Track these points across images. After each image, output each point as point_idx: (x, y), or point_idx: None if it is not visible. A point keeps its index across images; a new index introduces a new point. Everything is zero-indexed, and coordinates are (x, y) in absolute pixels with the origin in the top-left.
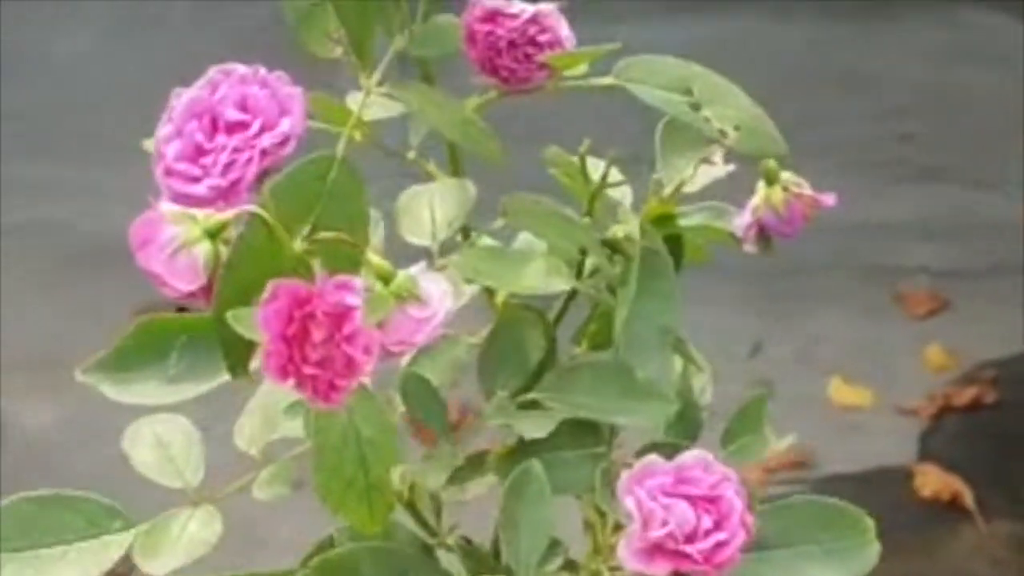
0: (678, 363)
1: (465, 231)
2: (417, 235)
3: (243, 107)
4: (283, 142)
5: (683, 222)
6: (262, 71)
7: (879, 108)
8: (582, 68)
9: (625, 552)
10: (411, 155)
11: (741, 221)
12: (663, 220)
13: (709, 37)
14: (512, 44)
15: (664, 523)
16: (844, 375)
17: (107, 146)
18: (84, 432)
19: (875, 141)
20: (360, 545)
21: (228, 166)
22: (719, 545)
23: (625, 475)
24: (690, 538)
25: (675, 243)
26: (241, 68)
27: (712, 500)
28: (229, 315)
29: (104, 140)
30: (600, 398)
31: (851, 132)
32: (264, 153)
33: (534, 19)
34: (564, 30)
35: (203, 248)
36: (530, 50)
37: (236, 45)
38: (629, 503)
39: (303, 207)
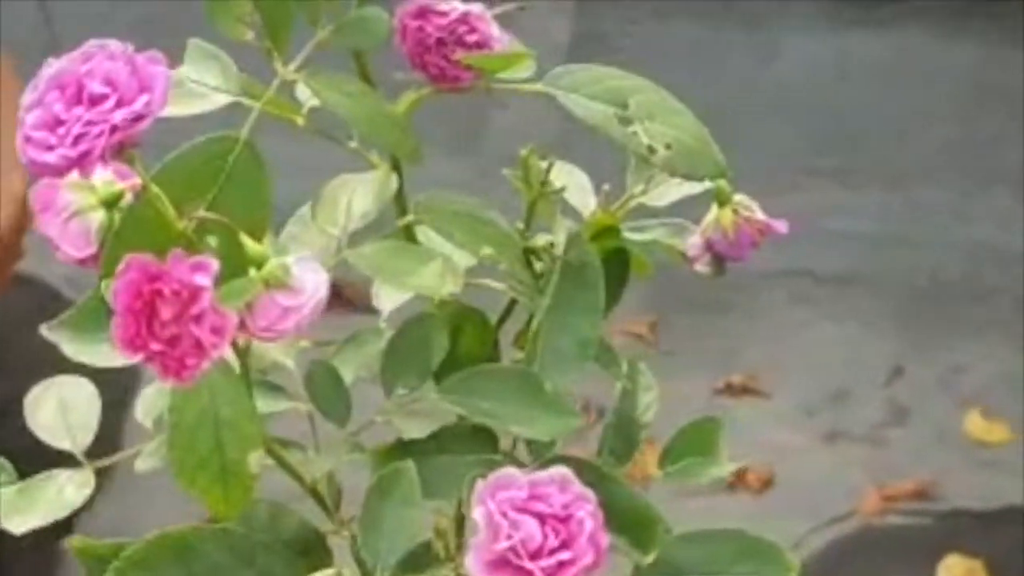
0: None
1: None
2: (330, 224)
3: (107, 82)
4: (137, 119)
5: (639, 236)
6: (131, 48)
7: None
8: (528, 70)
9: (472, 562)
10: (352, 144)
11: (693, 240)
12: (607, 233)
13: (871, 51)
14: (440, 42)
15: (509, 537)
16: (984, 408)
17: None
18: None
19: None
20: (202, 525)
21: (79, 137)
22: (563, 564)
23: (480, 485)
24: (535, 555)
25: (621, 257)
26: (114, 43)
27: (563, 519)
28: (103, 284)
29: None
30: (503, 405)
31: (1018, 159)
32: (115, 128)
33: (463, 19)
34: (494, 31)
35: (97, 216)
36: (458, 49)
37: None
38: (478, 514)
39: (199, 185)
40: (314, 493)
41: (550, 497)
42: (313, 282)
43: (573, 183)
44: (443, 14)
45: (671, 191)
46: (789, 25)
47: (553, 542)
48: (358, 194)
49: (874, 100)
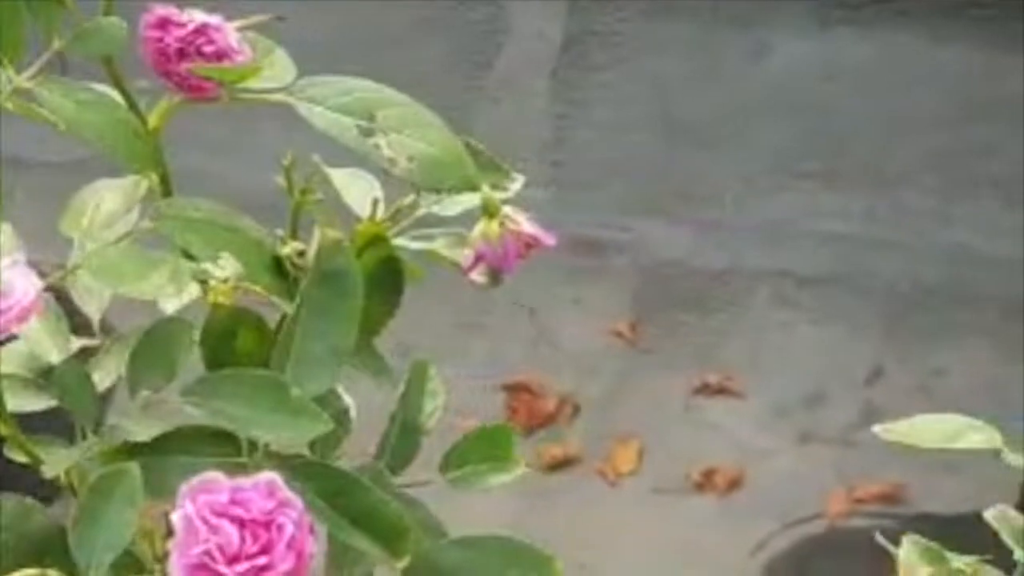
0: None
1: None
2: (73, 229)
3: None
4: None
5: (415, 245)
6: None
7: None
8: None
9: (172, 566)
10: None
11: (467, 251)
12: (377, 242)
13: (859, 53)
14: (181, 52)
15: (206, 541)
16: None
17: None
18: None
19: None
20: None
21: None
22: (261, 569)
23: (184, 488)
24: (232, 560)
25: (394, 266)
26: None
27: (264, 525)
28: None
29: None
30: (246, 409)
31: (1004, 164)
32: None
33: (201, 30)
34: (233, 42)
35: None
36: (198, 60)
37: None
38: (176, 516)
39: None
40: (70, 488)
41: (250, 502)
42: (23, 287)
43: (359, 191)
44: (182, 25)
45: (462, 201)
46: (778, 25)
47: (251, 547)
48: (106, 199)
49: (861, 102)
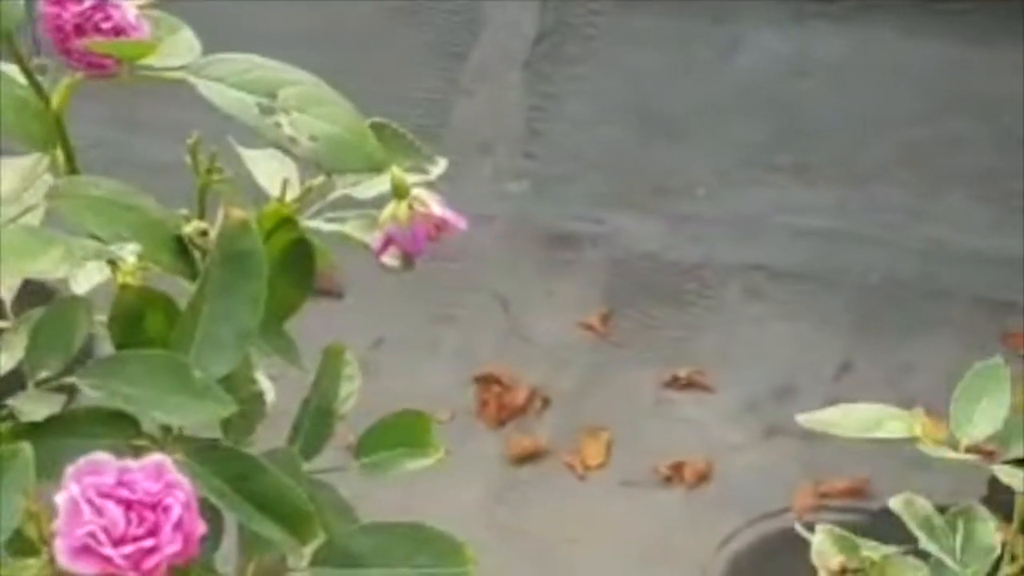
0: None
1: None
2: None
3: None
4: None
5: (325, 227)
6: None
7: (1006, 136)
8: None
9: (58, 546)
10: None
11: (376, 234)
12: (286, 224)
13: (832, 47)
14: (78, 28)
15: (90, 523)
16: (928, 407)
17: None
18: None
19: (1000, 171)
20: None
21: None
22: (147, 552)
23: (70, 469)
24: (118, 542)
25: (304, 248)
26: None
27: (151, 506)
28: None
29: None
30: (147, 390)
31: (976, 160)
32: None
33: (98, 6)
34: (130, 18)
35: None
36: (95, 36)
37: None
38: (60, 498)
39: None
40: None
41: (136, 484)
42: None
43: (273, 172)
44: (79, 1)
45: (379, 184)
46: (752, 19)
47: (137, 529)
48: (5, 178)
49: (834, 96)
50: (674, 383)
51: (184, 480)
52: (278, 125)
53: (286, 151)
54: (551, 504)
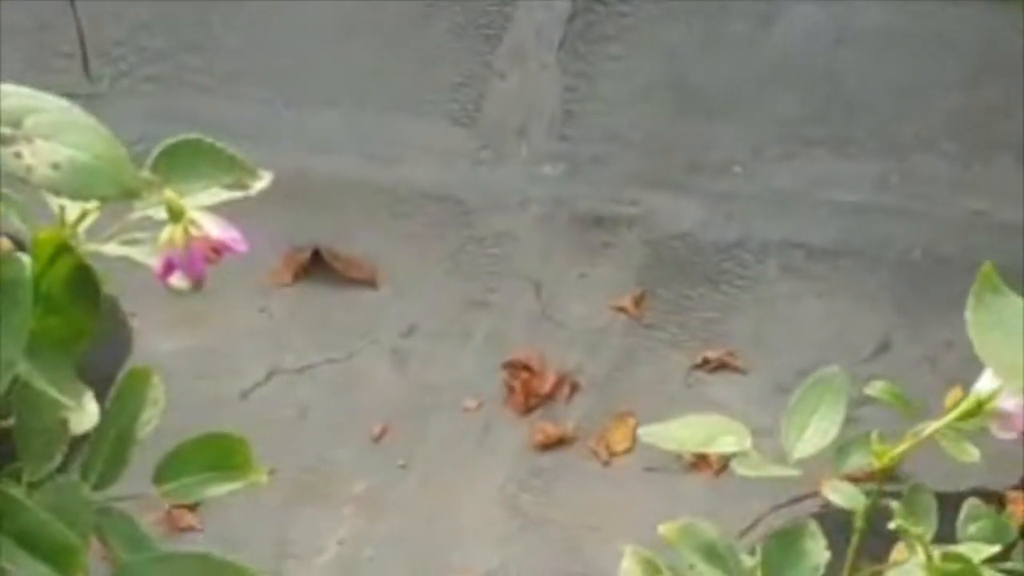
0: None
1: None
2: None
3: None
4: None
5: (109, 251)
6: None
7: None
8: None
9: None
10: None
11: (157, 258)
12: (64, 250)
13: (871, 16)
14: None
15: None
16: (967, 386)
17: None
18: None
19: None
20: None
21: None
22: None
23: None
24: None
25: (87, 274)
26: None
27: None
28: None
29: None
30: None
31: (1020, 127)
32: None
33: None
34: None
35: None
36: None
37: None
38: None
39: None
40: None
41: None
42: None
43: None
44: None
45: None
46: None
47: None
48: None
49: (873, 66)
50: (705, 365)
51: None
52: (17, 156)
53: (24, 181)
54: (575, 491)
